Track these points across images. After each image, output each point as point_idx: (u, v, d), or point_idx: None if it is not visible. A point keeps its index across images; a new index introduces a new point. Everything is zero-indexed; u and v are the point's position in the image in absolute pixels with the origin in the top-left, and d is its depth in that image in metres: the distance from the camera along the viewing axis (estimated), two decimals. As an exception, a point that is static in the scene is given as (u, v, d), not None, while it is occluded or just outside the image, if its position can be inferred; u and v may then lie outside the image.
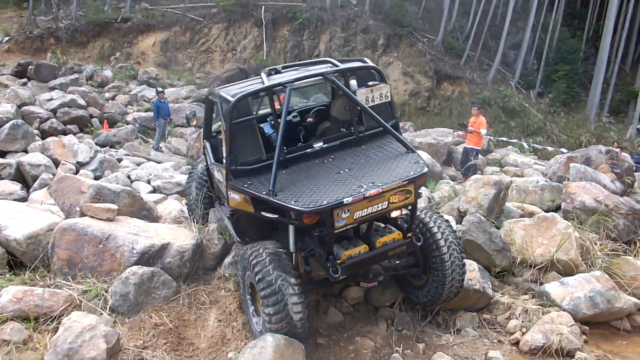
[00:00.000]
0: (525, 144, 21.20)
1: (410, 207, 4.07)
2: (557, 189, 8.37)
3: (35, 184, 7.76)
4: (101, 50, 24.26)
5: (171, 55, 24.57)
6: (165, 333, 4.33)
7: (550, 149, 19.99)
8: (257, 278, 3.85)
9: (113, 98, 17.80)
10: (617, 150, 10.05)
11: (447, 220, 4.65)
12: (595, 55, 28.94)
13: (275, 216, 3.97)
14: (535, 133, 24.55)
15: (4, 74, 18.91)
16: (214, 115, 5.39)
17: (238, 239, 4.80)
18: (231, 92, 4.42)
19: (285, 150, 4.29)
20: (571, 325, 4.92)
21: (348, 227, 3.81)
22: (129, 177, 9.57)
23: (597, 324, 5.32)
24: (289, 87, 4.20)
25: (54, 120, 13.84)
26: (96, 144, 12.98)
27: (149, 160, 12.92)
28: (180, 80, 21.00)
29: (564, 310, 5.14)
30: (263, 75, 4.58)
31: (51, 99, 14.84)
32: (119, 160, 11.63)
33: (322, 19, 26.88)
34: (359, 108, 4.47)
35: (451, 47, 28.61)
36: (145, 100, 17.87)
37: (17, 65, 18.99)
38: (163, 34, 25.31)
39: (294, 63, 5.06)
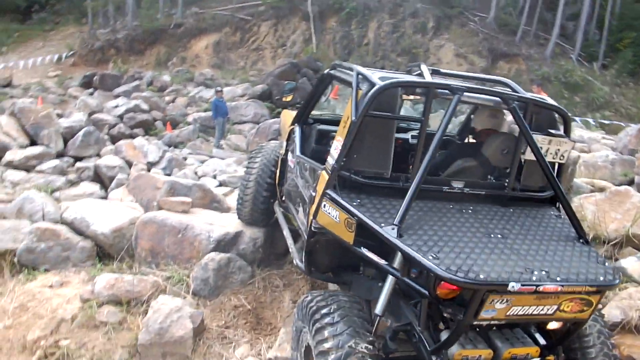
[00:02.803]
0: (591, 120, 20.29)
1: (573, 324, 2.90)
2: (628, 162, 8.07)
3: (113, 184, 8.31)
4: (157, 56, 25.26)
5: (224, 56, 25.22)
6: (244, 314, 4.58)
7: (622, 124, 18.99)
8: (317, 336, 2.84)
9: (173, 101, 18.57)
10: None
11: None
12: (664, 21, 27.17)
13: (383, 262, 2.81)
14: (602, 107, 23.40)
15: (72, 86, 20.15)
16: (324, 96, 4.53)
17: (300, 265, 3.75)
18: (376, 73, 3.28)
19: (408, 177, 3.14)
20: (651, 300, 4.78)
21: (491, 323, 2.66)
22: (195, 173, 10.05)
23: (680, 297, 5.13)
24: (457, 95, 3.00)
25: (121, 125, 14.63)
26: (161, 145, 13.62)
27: (211, 157, 13.39)
28: (235, 79, 21.58)
29: (641, 285, 5.00)
30: (425, 68, 3.41)
31: (117, 106, 15.69)
32: (184, 158, 12.18)
33: (369, 7, 26.76)
34: (522, 157, 3.30)
35: (505, 24, 27.73)
36: (203, 101, 18.51)
37: (84, 77, 20.24)
38: (214, 36, 26.01)
39: (460, 73, 3.87)
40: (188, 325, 4.16)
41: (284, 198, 4.73)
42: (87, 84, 19.87)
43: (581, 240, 3.09)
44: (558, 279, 2.56)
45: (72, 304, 4.61)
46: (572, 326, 2.92)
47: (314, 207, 3.29)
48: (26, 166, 11.08)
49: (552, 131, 3.37)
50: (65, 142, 12.47)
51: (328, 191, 3.11)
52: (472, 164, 3.62)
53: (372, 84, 3.03)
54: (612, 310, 4.62)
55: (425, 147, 2.99)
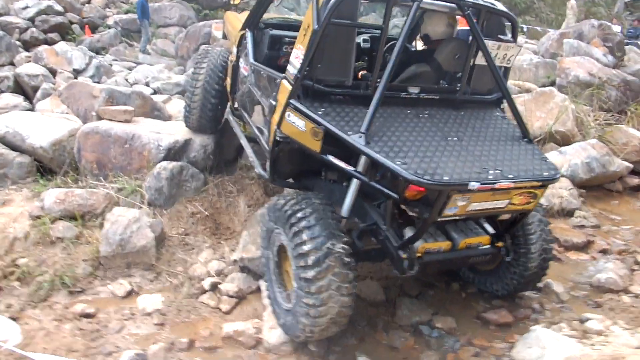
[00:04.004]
0: (514, 24, 20.87)
1: (520, 215, 3.24)
2: (550, 65, 8.57)
3: (38, 94, 7.71)
4: (64, -52, 22.51)
5: (141, -50, 22.91)
6: (202, 220, 4.69)
7: (538, 29, 19.78)
8: (295, 239, 2.98)
9: (89, 2, 16.84)
10: None
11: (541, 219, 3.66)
12: None
13: (350, 168, 2.96)
14: (523, 12, 24.05)
15: (-34, -17, 17.74)
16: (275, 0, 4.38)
17: (263, 173, 3.88)
18: None
19: (368, 84, 3.23)
20: (570, 189, 5.39)
21: (453, 218, 3.01)
22: (126, 80, 9.53)
23: (593, 187, 5.82)
24: (417, 2, 3.02)
25: (33, 29, 13.28)
26: (81, 51, 12.60)
27: (137, 64, 12.67)
28: (156, -23, 19.85)
29: (562, 177, 5.59)
30: None
31: (26, 7, 14.04)
32: (109, 65, 11.41)
33: None
34: (472, 61, 3.43)
35: None
36: (122, 2, 17.05)
37: (-20, -28, 17.76)
38: None
39: None
40: (149, 235, 4.22)
41: (236, 106, 4.71)
42: (-16, -20, 17.55)
43: (525, 139, 3.35)
44: (510, 176, 2.81)
45: (20, 222, 4.48)
46: (519, 216, 3.26)
47: (276, 116, 3.34)
48: None
49: (501, 37, 3.50)
50: (-29, 49, 11.30)
51: (292, 101, 3.14)
52: (425, 69, 3.70)
53: None
54: (538, 199, 5.20)
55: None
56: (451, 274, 4.15)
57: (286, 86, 3.25)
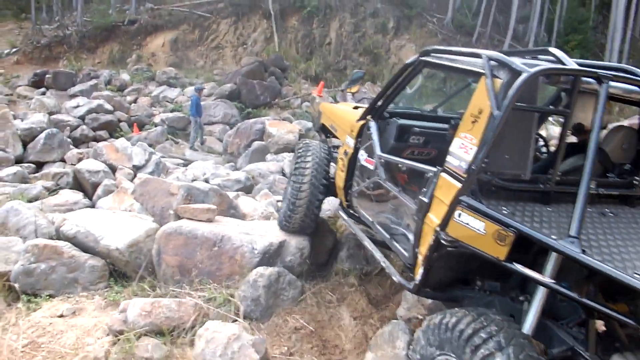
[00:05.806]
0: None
1: None
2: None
3: (99, 191, 7.39)
4: (111, 54, 23.78)
5: (182, 55, 24.10)
6: (306, 337, 4.01)
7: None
8: None
9: (135, 101, 17.35)
10: None
11: None
12: (604, 24, 28.49)
13: (549, 280, 2.40)
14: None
15: (20, 85, 18.51)
16: (409, 86, 3.99)
17: (404, 282, 3.28)
18: (513, 58, 2.82)
19: (540, 179, 2.87)
20: None
21: None
22: (185, 177, 9.21)
23: None
24: (605, 84, 2.65)
25: (84, 127, 13.44)
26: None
27: (185, 160, 12.56)
28: (199, 78, 20.56)
29: None
30: (559, 52, 3.00)
31: (77, 106, 14.42)
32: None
33: (330, 6, 26.46)
34: None
35: (461, 25, 28.21)
36: (167, 101, 17.48)
37: (34, 75, 18.61)
38: (171, 33, 24.84)
39: (582, 61, 3.37)
40: (253, 356, 3.53)
41: (353, 203, 4.21)
42: (37, 82, 18.22)
43: None
44: None
45: (95, 336, 3.88)
46: None
47: (434, 216, 2.86)
48: (-19, 173, 9.85)
49: None
50: (24, 145, 11.32)
51: (463, 198, 2.68)
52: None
53: (517, 72, 2.65)
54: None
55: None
56: None
57: (449, 181, 2.81)
